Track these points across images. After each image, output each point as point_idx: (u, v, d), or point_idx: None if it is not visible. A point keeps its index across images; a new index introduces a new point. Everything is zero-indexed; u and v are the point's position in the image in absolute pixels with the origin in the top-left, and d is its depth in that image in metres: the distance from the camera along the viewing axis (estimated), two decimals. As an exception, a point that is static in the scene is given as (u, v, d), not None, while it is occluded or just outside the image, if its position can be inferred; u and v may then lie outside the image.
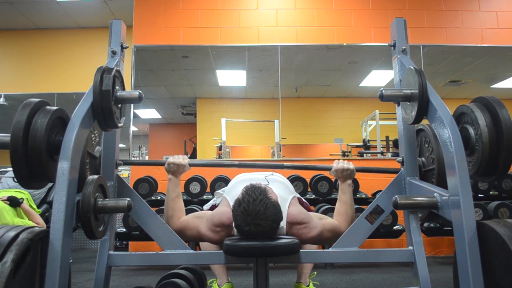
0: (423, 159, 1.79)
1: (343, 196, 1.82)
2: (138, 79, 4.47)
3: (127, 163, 1.94)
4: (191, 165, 1.86)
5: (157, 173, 3.96)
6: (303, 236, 1.68)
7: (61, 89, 5.45)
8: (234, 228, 1.63)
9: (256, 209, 1.50)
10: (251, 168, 2.16)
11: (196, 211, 3.11)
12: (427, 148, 1.75)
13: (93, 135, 1.64)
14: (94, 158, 1.66)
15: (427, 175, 1.76)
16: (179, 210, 1.80)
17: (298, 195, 1.93)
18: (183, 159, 1.83)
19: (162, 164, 1.86)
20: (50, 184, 3.20)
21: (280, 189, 1.80)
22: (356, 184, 3.67)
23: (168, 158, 1.83)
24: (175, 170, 1.82)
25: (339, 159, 1.90)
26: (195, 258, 1.72)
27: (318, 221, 1.73)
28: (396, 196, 1.51)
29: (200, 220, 1.74)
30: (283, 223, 1.64)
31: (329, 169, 1.87)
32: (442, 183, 1.53)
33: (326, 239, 1.74)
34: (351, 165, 1.83)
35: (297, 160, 4.91)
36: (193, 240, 1.82)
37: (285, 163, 2.00)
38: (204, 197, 3.65)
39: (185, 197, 3.63)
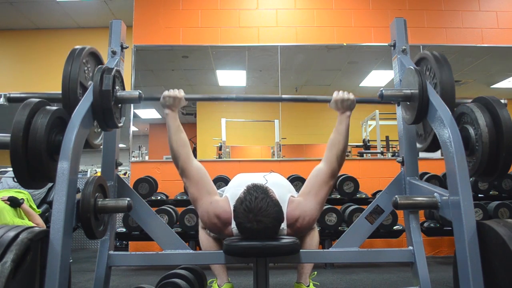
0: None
1: (339, 126, 1.76)
2: (138, 79, 4.47)
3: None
4: (187, 99, 1.81)
5: (157, 173, 3.96)
6: (307, 226, 1.68)
7: (61, 89, 5.43)
8: (233, 229, 1.63)
9: (258, 206, 1.50)
10: (248, 100, 2.02)
11: (196, 211, 3.10)
12: (429, 75, 1.70)
13: (85, 68, 1.56)
14: (85, 89, 1.55)
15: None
16: (185, 147, 1.73)
17: (295, 194, 1.92)
18: (178, 92, 1.78)
19: (157, 98, 1.75)
20: (50, 184, 3.20)
21: (279, 188, 1.79)
22: (356, 184, 3.67)
23: (164, 92, 1.75)
24: (171, 104, 1.76)
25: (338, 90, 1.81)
26: (195, 258, 1.72)
27: (309, 197, 1.69)
28: (396, 196, 1.51)
29: (207, 196, 1.69)
30: (284, 225, 1.64)
31: (328, 100, 1.81)
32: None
33: (326, 195, 1.71)
34: (351, 95, 1.76)
35: (297, 161, 4.91)
36: (187, 192, 1.76)
37: (284, 96, 1.95)
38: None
39: (185, 197, 3.63)
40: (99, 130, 1.65)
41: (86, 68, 1.55)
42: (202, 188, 1.70)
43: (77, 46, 1.53)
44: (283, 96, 1.91)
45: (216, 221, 1.66)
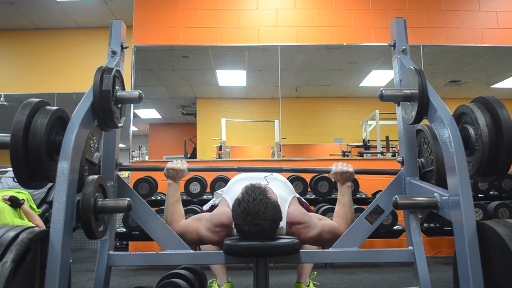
0: (422, 160, 1.80)
1: (342, 198, 1.83)
2: (138, 79, 4.47)
3: (122, 168, 1.88)
4: (190, 170, 1.85)
5: (157, 173, 3.95)
6: (303, 236, 1.69)
7: (61, 89, 5.45)
8: (234, 228, 1.63)
9: (256, 208, 1.50)
10: (250, 171, 2.14)
11: (196, 211, 3.11)
12: (426, 149, 1.75)
13: (91, 141, 1.63)
14: (92, 165, 1.66)
15: (426, 176, 1.76)
16: (178, 215, 1.80)
17: (298, 195, 1.93)
18: (181, 164, 1.82)
19: (161, 169, 1.85)
20: (50, 184, 3.20)
21: (280, 189, 1.80)
22: (356, 184, 3.67)
23: (167, 164, 1.82)
24: (174, 175, 1.82)
25: (338, 161, 1.90)
26: (195, 258, 1.72)
27: (318, 221, 1.73)
28: (396, 196, 1.51)
29: (199, 222, 1.74)
30: (282, 223, 1.64)
31: (328, 171, 1.87)
32: (441, 183, 1.52)
33: (325, 240, 1.75)
34: (350, 168, 1.83)
35: (297, 161, 4.92)
36: (194, 243, 1.82)
37: (284, 166, 2.00)
38: (204, 197, 3.64)
39: (185, 197, 3.63)
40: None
41: (91, 142, 1.62)
42: (192, 224, 1.76)
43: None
44: (284, 167, 1.99)
45: (219, 229, 1.68)
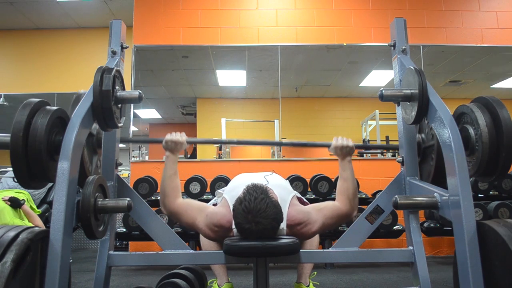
0: (422, 135, 1.76)
1: (344, 173, 1.79)
2: (138, 79, 4.47)
3: (124, 140, 1.87)
4: (189, 142, 1.83)
5: (157, 173, 3.96)
6: (306, 234, 1.68)
7: (61, 89, 5.45)
8: (234, 230, 1.63)
9: (257, 207, 1.50)
10: (250, 144, 2.09)
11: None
12: (426, 124, 1.72)
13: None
14: (91, 136, 1.62)
15: (426, 152, 1.73)
16: (175, 189, 1.76)
17: (297, 194, 1.93)
18: (180, 136, 1.79)
19: (160, 141, 1.80)
20: (50, 184, 3.20)
21: (280, 189, 1.80)
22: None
23: (166, 136, 1.79)
24: (173, 148, 1.79)
25: (337, 136, 1.84)
26: (195, 258, 1.72)
27: (317, 214, 1.70)
28: (396, 196, 1.50)
29: (200, 213, 1.71)
30: (283, 225, 1.64)
31: (328, 146, 1.84)
32: (441, 160, 1.49)
33: (330, 226, 1.73)
34: (350, 142, 1.80)
35: (297, 161, 4.91)
36: (186, 227, 1.79)
37: (284, 141, 1.97)
38: (204, 197, 3.64)
39: (185, 197, 3.63)
40: (100, 170, 1.68)
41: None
42: (192, 211, 1.72)
43: (81, 90, 1.54)
44: (283, 141, 1.94)
45: (217, 229, 1.67)
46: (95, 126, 1.64)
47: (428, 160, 1.70)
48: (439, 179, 1.47)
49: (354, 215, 1.77)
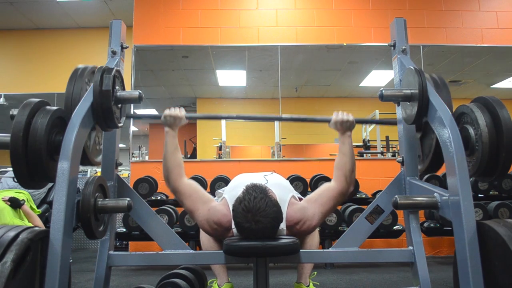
0: None
1: (343, 147, 1.77)
2: (138, 79, 4.47)
3: (129, 116, 1.86)
4: (187, 117, 1.82)
5: (157, 173, 3.96)
6: (306, 231, 1.68)
7: (61, 89, 5.38)
8: (233, 230, 1.63)
9: (257, 206, 1.50)
10: (249, 119, 2.09)
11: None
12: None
13: (88, 87, 1.53)
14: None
15: (427, 127, 1.67)
16: (178, 165, 1.74)
17: (297, 194, 1.93)
18: (179, 111, 1.78)
19: (159, 117, 1.78)
20: (50, 184, 3.20)
21: (279, 189, 1.79)
22: (356, 184, 3.67)
23: (165, 111, 1.77)
24: (172, 123, 1.77)
25: (338, 111, 1.82)
26: (195, 258, 1.72)
27: (313, 205, 1.69)
28: (396, 196, 1.51)
29: (203, 206, 1.69)
30: (283, 225, 1.64)
31: (328, 121, 1.82)
32: None
33: (330, 210, 1.72)
34: (350, 117, 1.78)
35: (297, 161, 4.91)
36: (185, 209, 1.77)
37: (284, 116, 1.96)
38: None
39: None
40: (101, 147, 1.66)
41: (88, 88, 1.56)
42: (196, 199, 1.71)
43: (80, 66, 1.53)
44: (283, 116, 1.93)
45: (216, 227, 1.67)
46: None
47: (429, 135, 1.67)
48: (440, 155, 1.44)
49: (350, 191, 1.75)
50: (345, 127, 1.78)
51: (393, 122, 1.82)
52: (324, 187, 1.79)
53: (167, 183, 1.73)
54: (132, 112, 4.62)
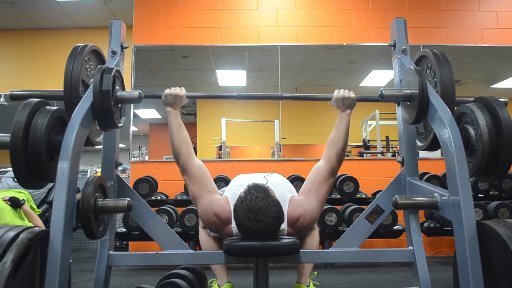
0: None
1: (340, 124, 1.77)
2: (138, 79, 4.47)
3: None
4: (188, 96, 1.81)
5: (157, 173, 3.96)
6: (309, 225, 1.68)
7: (61, 89, 5.43)
8: (233, 229, 1.63)
9: (259, 205, 1.50)
10: (250, 99, 2.05)
11: (196, 210, 3.10)
12: (429, 73, 1.67)
13: (88, 65, 1.57)
14: (87, 86, 1.57)
15: None
16: (184, 143, 1.74)
17: (295, 194, 1.93)
18: (180, 90, 1.78)
19: (159, 96, 1.77)
20: (50, 184, 3.20)
21: (279, 189, 1.79)
22: (356, 184, 3.67)
23: (165, 90, 1.76)
24: (172, 102, 1.77)
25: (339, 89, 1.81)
26: (195, 258, 1.72)
27: (310, 196, 1.69)
28: (396, 196, 1.50)
29: (206, 194, 1.69)
30: (284, 225, 1.64)
31: (329, 98, 1.81)
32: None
33: (326, 193, 1.72)
34: (352, 94, 1.76)
35: (297, 161, 4.92)
36: (189, 191, 1.76)
37: (285, 94, 1.94)
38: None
39: (185, 197, 3.63)
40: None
41: (88, 66, 1.56)
42: (202, 186, 1.70)
43: (79, 44, 1.53)
44: (284, 94, 1.92)
45: (215, 219, 1.66)
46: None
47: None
48: None
49: (339, 167, 1.74)
50: (346, 105, 1.76)
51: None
52: (314, 171, 1.77)
53: (177, 162, 1.72)
54: (132, 112, 4.63)
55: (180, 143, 1.72)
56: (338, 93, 1.78)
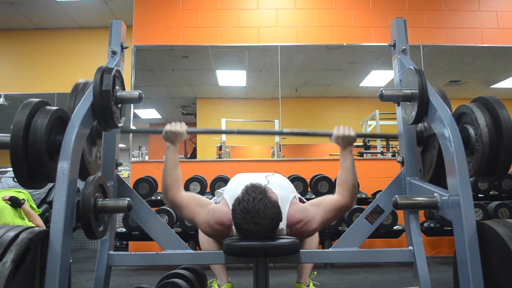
0: (424, 124, 1.73)
1: (344, 163, 1.77)
2: (138, 79, 4.47)
3: (124, 131, 1.89)
4: (188, 132, 1.82)
5: (157, 173, 3.96)
6: (306, 232, 1.68)
7: (61, 89, 5.42)
8: (234, 229, 1.63)
9: (256, 207, 1.50)
10: (251, 134, 2.06)
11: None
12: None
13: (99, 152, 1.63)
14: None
15: (429, 140, 1.70)
16: (177, 180, 1.75)
17: (298, 195, 1.93)
18: (180, 127, 1.78)
19: (160, 132, 1.78)
20: (50, 184, 3.20)
21: (281, 189, 1.79)
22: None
23: (166, 126, 1.77)
24: (173, 139, 1.77)
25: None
26: (195, 258, 1.72)
27: (316, 210, 1.69)
28: (396, 196, 1.50)
29: (201, 209, 1.70)
30: (283, 225, 1.64)
31: (329, 135, 1.81)
32: None
33: (331, 220, 1.72)
34: (352, 132, 1.77)
35: (297, 161, 4.92)
36: (185, 220, 1.79)
37: (285, 130, 1.95)
38: (204, 197, 3.64)
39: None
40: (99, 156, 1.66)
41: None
42: (194, 206, 1.72)
43: (80, 80, 1.56)
44: (284, 130, 1.92)
45: (218, 227, 1.67)
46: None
47: (430, 150, 1.67)
48: (442, 169, 1.44)
49: (353, 206, 1.75)
50: (346, 142, 1.77)
51: (393, 136, 1.82)
52: (328, 196, 1.79)
53: (165, 198, 1.74)
54: (132, 112, 4.63)
55: (173, 181, 1.74)
56: (338, 131, 1.78)
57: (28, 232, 1.09)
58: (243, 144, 6.88)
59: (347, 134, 1.76)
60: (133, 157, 4.70)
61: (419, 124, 1.73)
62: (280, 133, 1.91)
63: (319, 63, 5.45)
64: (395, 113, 1.87)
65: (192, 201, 1.74)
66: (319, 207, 1.71)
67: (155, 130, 1.83)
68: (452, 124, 1.35)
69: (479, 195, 3.73)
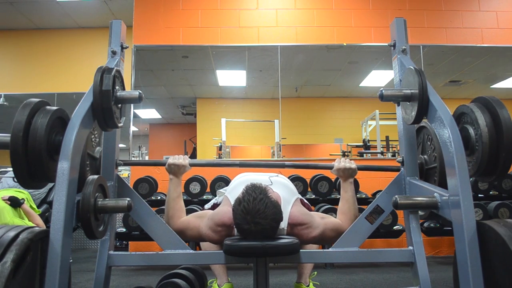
0: (425, 156, 1.78)
1: (346, 194, 1.82)
2: (138, 79, 4.47)
3: (127, 163, 1.94)
4: (191, 165, 1.85)
5: (157, 173, 3.96)
6: (305, 237, 1.68)
7: (61, 89, 5.45)
8: (235, 228, 1.63)
9: (256, 207, 1.51)
10: (252, 167, 2.15)
11: (196, 211, 3.11)
12: (429, 145, 1.74)
13: (93, 136, 1.64)
14: (94, 159, 1.66)
15: (429, 173, 1.75)
16: (180, 210, 1.80)
17: (300, 197, 1.93)
18: (183, 160, 1.82)
19: (162, 164, 1.86)
20: (50, 184, 3.20)
21: (284, 190, 1.80)
22: (356, 184, 3.67)
23: (169, 159, 1.83)
24: (176, 171, 1.82)
25: (340, 158, 1.89)
26: (195, 258, 1.72)
27: (320, 220, 1.72)
28: (396, 196, 1.51)
29: (201, 219, 1.74)
30: (284, 224, 1.64)
31: (330, 167, 1.87)
32: (444, 181, 1.51)
33: (329, 238, 1.74)
34: (353, 164, 1.82)
35: (298, 160, 4.92)
36: (194, 240, 1.82)
37: (287, 163, 1.99)
38: (204, 197, 3.65)
39: (185, 197, 3.63)
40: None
41: (93, 136, 1.62)
42: (194, 222, 1.76)
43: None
44: (286, 162, 1.99)
45: (220, 229, 1.68)
46: (99, 149, 1.70)
47: (430, 182, 1.71)
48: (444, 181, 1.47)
49: None
50: (348, 174, 1.83)
51: (395, 169, 1.84)
52: (332, 217, 1.83)
53: (168, 224, 1.78)
54: (132, 112, 4.63)
55: (175, 212, 1.79)
56: (339, 163, 1.84)
57: (28, 232, 1.09)
58: (243, 144, 6.88)
59: (347, 166, 1.80)
60: (133, 157, 4.70)
61: (420, 156, 1.78)
62: (282, 166, 1.94)
63: (319, 63, 5.45)
64: (395, 113, 1.86)
65: (190, 219, 1.78)
66: (324, 220, 1.76)
67: (159, 162, 1.87)
68: (452, 124, 1.35)
69: (479, 195, 3.73)
